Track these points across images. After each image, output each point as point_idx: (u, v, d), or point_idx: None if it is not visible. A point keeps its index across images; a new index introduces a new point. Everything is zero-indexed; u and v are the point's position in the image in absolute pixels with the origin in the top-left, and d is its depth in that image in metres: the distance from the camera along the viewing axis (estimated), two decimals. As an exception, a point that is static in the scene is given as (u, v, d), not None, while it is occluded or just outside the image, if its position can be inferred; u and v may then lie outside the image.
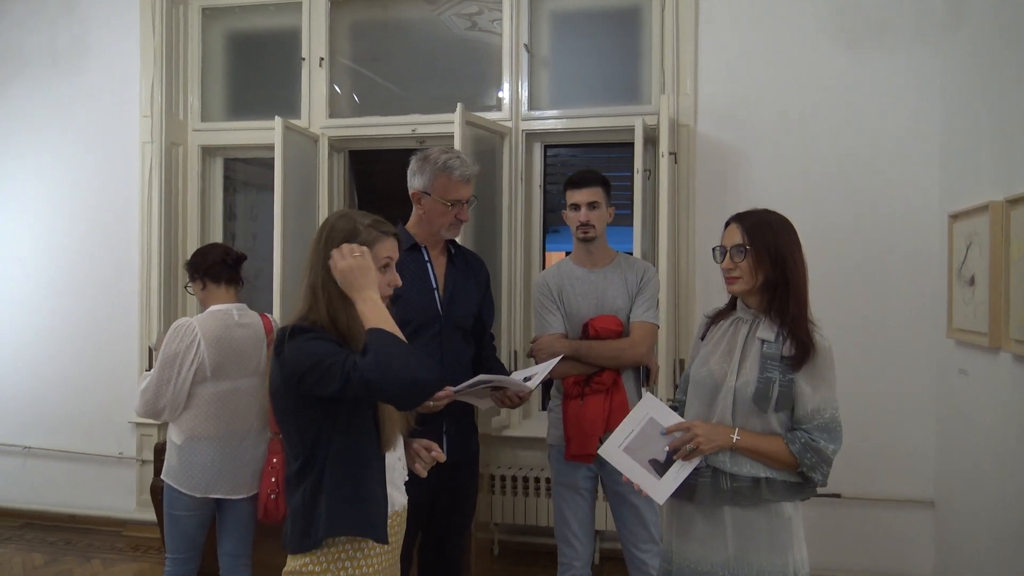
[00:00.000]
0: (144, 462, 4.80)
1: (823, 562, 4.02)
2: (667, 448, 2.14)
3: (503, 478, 4.41)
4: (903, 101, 3.99)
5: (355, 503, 1.92)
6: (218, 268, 3.02)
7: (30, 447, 5.12)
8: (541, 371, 2.72)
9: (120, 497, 4.97)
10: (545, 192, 4.69)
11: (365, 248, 1.96)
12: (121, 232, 4.97)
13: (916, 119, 3.96)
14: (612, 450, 2.20)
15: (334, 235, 2.01)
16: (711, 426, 2.13)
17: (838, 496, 4.00)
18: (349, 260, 1.91)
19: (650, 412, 2.23)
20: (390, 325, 1.84)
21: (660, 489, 2.11)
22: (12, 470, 5.17)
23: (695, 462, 2.11)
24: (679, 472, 2.11)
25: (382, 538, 1.94)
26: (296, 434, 1.94)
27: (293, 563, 1.94)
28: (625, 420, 2.24)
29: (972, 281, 3.42)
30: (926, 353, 3.93)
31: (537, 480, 4.34)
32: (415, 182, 2.75)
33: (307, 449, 1.93)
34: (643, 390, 3.01)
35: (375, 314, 1.86)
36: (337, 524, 1.89)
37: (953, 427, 3.73)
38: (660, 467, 2.14)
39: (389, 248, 2.07)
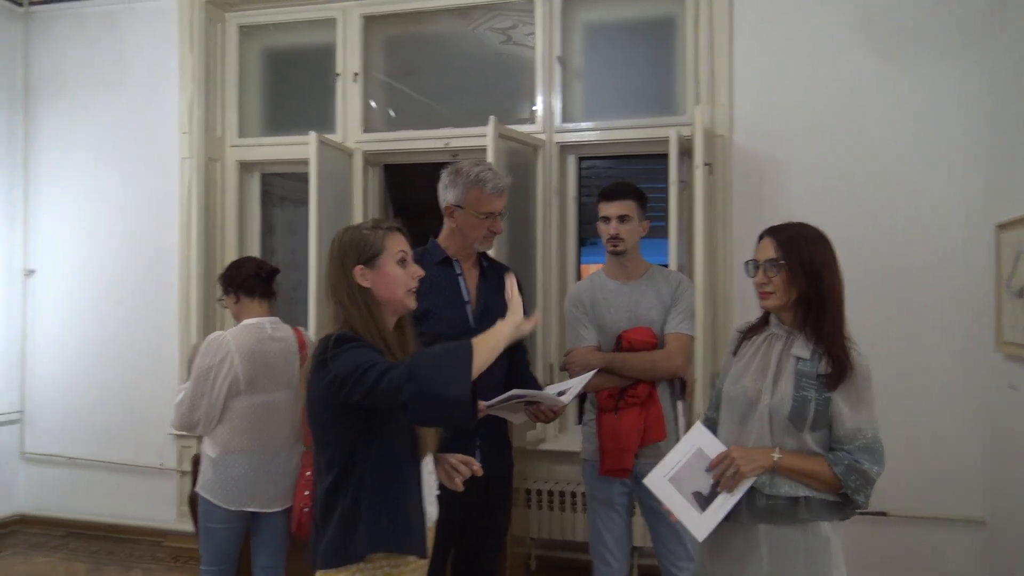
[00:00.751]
0: (184, 473, 4.85)
1: (868, 583, 3.93)
2: (711, 481, 2.08)
3: (539, 492, 4.37)
4: (945, 108, 3.89)
5: (398, 518, 1.91)
6: (251, 282, 3.04)
7: (74, 458, 5.21)
8: (575, 385, 2.69)
9: (161, 508, 5.03)
10: (580, 204, 4.66)
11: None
12: (161, 247, 5.04)
13: (959, 126, 3.86)
14: (658, 480, 2.14)
15: (347, 251, 2.02)
16: (749, 449, 2.08)
17: (884, 514, 3.90)
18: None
19: (698, 443, 2.16)
20: (486, 345, 1.85)
21: (701, 525, 2.05)
22: (57, 480, 5.27)
23: (737, 496, 2.04)
24: (721, 507, 2.04)
25: (424, 552, 1.95)
26: (333, 445, 1.93)
27: None
28: (673, 450, 2.19)
29: (1021, 293, 3.32)
30: (974, 368, 3.81)
31: (573, 495, 4.29)
32: (447, 196, 2.74)
33: (344, 461, 1.92)
34: (680, 413, 2.96)
35: (487, 344, 1.88)
36: (381, 540, 1.89)
37: (1004, 443, 3.62)
38: (703, 500, 2.07)
39: (399, 242, 2.07)
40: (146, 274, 5.08)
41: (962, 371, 3.84)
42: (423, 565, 2.01)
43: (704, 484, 2.09)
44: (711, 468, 2.09)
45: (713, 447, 2.13)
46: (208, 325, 4.80)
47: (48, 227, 5.32)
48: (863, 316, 3.83)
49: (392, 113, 4.99)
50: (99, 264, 5.19)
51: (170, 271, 5.01)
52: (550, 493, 4.35)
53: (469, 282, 2.79)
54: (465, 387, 1.74)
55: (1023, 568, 3.40)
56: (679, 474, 2.12)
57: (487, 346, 1.84)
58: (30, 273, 5.32)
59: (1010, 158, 3.54)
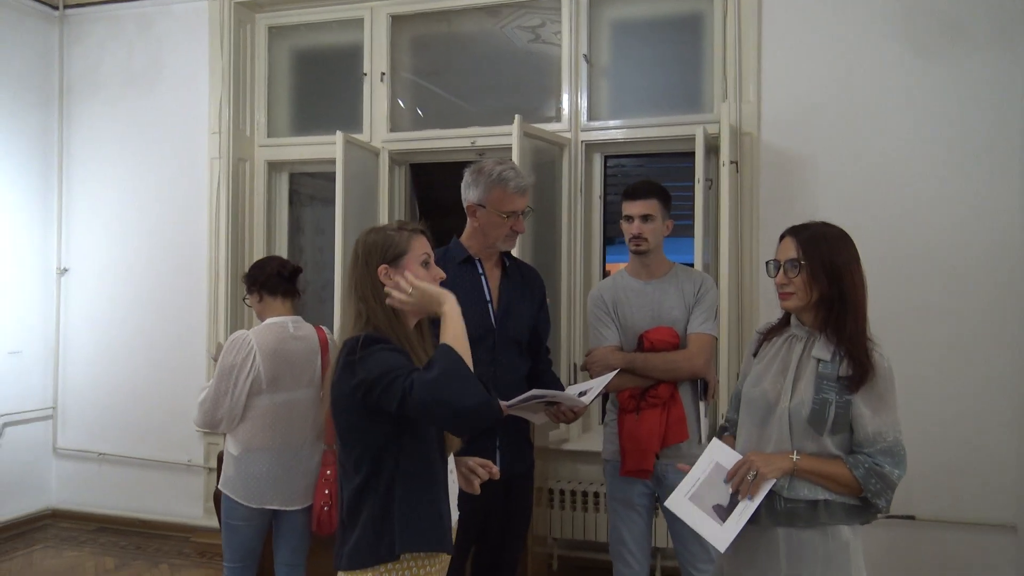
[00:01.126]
0: (211, 470, 4.90)
1: (896, 587, 3.87)
2: (730, 491, 2.05)
3: (562, 492, 4.35)
4: (982, 104, 3.81)
5: (430, 517, 1.92)
6: (275, 281, 3.07)
7: (104, 454, 5.29)
8: (596, 386, 2.68)
9: (188, 504, 5.10)
10: (605, 203, 4.63)
11: (409, 275, 1.96)
12: (191, 246, 5.11)
13: (996, 122, 3.78)
14: (679, 500, 2.12)
15: (371, 250, 2.02)
16: (767, 454, 2.05)
17: (912, 518, 3.83)
18: (406, 293, 1.93)
19: (716, 458, 2.14)
20: (461, 343, 1.86)
21: (722, 535, 2.01)
22: (88, 476, 5.35)
23: (757, 501, 2.00)
24: (741, 515, 2.01)
25: (452, 548, 1.98)
26: (361, 446, 1.93)
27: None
28: (693, 468, 2.16)
29: (1055, 293, 3.24)
30: (1008, 368, 3.73)
31: (596, 495, 4.27)
32: (470, 195, 2.73)
33: (373, 461, 1.91)
34: (702, 413, 2.93)
35: (450, 328, 1.89)
36: (414, 539, 1.89)
37: (1036, 448, 3.54)
38: (724, 512, 2.05)
39: (423, 244, 2.08)
40: (176, 273, 5.15)
41: (996, 372, 3.76)
42: (447, 562, 2.01)
43: (724, 496, 2.06)
44: (729, 478, 2.06)
45: (730, 459, 2.11)
46: (236, 323, 4.85)
47: (81, 226, 5.41)
48: (894, 316, 3.80)
49: (420, 112, 5.00)
50: (130, 263, 5.27)
51: (199, 270, 5.07)
52: (573, 493, 4.33)
53: (491, 282, 2.77)
54: (477, 390, 1.78)
55: (1057, 576, 3.33)
56: (699, 491, 2.10)
57: (458, 340, 1.87)
58: (64, 272, 5.41)
59: (1046, 156, 3.46)
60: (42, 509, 5.38)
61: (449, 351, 1.81)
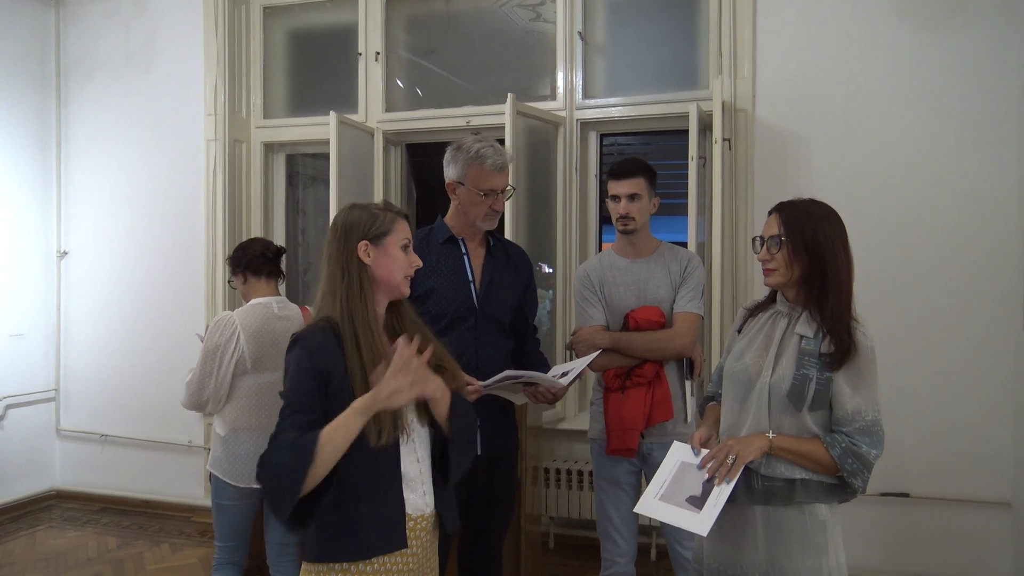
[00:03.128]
0: (210, 451, 4.93)
1: (891, 565, 3.86)
2: (704, 479, 2.04)
3: (558, 472, 4.37)
4: (981, 80, 3.75)
5: (373, 520, 1.87)
6: (258, 262, 3.07)
7: (107, 435, 5.34)
8: (578, 366, 2.66)
9: (189, 484, 5.15)
10: (601, 182, 4.60)
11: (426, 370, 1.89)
12: (189, 228, 5.13)
13: (993, 99, 3.73)
14: (649, 503, 2.10)
15: (353, 226, 1.98)
16: (743, 438, 2.04)
17: (907, 496, 3.81)
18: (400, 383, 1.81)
19: (680, 458, 2.15)
20: (331, 445, 1.77)
21: (701, 522, 1.99)
22: (91, 457, 5.41)
23: (732, 484, 1.99)
24: (717, 499, 1.99)
25: (400, 544, 1.89)
26: None
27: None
28: (657, 472, 2.16)
29: (1049, 270, 3.20)
30: (1003, 347, 3.70)
31: (591, 474, 4.25)
32: (449, 172, 2.72)
33: None
34: (688, 392, 2.92)
35: (337, 431, 1.78)
36: (354, 547, 1.85)
37: (1032, 425, 3.51)
38: (698, 501, 2.03)
39: (406, 229, 2.05)
40: (174, 254, 5.17)
41: (991, 350, 3.73)
42: (409, 554, 1.93)
43: (696, 487, 2.05)
44: (704, 464, 2.05)
45: (694, 455, 2.13)
46: (234, 304, 4.84)
47: (80, 209, 5.43)
48: (891, 294, 3.78)
49: (420, 92, 4.97)
50: (129, 245, 5.29)
51: (197, 251, 5.09)
52: (568, 472, 4.34)
53: (474, 261, 2.76)
54: (286, 513, 1.77)
55: (1051, 554, 3.31)
56: (668, 491, 2.09)
57: (338, 434, 1.78)
58: (63, 254, 5.44)
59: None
60: (46, 490, 5.45)
61: (303, 450, 1.76)
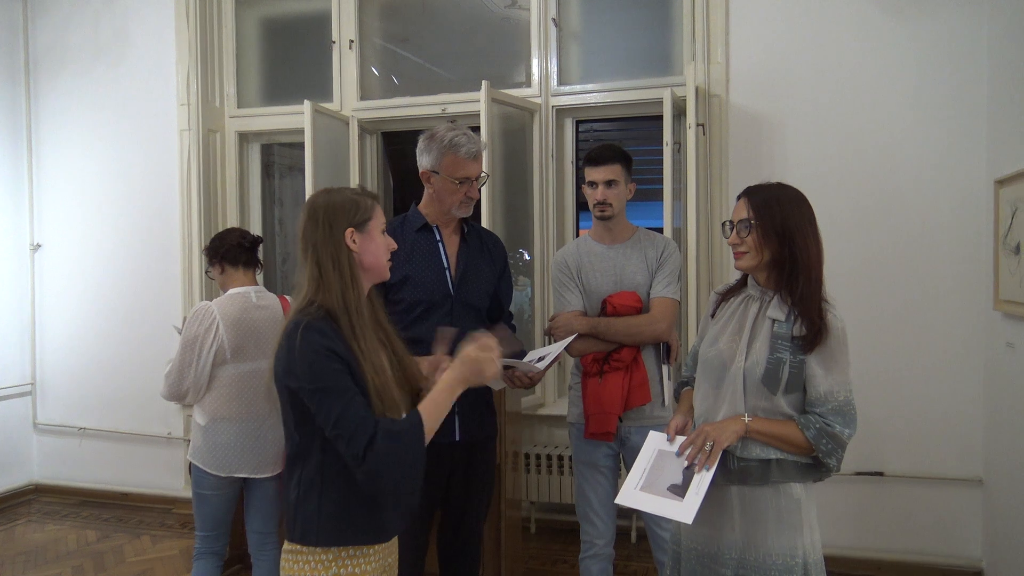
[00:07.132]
0: (189, 442, 4.91)
1: (865, 543, 3.93)
2: (684, 466, 2.06)
3: (538, 457, 4.40)
4: (948, 63, 3.80)
5: (351, 510, 1.88)
6: (235, 251, 3.06)
7: (85, 428, 5.31)
8: (554, 351, 2.69)
9: (169, 476, 5.13)
10: (577, 168, 4.62)
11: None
12: (164, 219, 5.09)
13: (962, 82, 3.78)
14: (630, 493, 2.11)
15: (336, 212, 1.94)
16: (719, 423, 2.07)
17: (880, 474, 3.88)
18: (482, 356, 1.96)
19: (657, 447, 2.17)
20: (433, 421, 1.88)
21: (685, 509, 2.00)
22: (69, 450, 5.38)
23: (712, 471, 2.01)
24: (700, 486, 2.01)
25: (382, 537, 1.93)
26: (290, 422, 1.92)
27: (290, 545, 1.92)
28: (636, 463, 2.17)
29: (1017, 249, 3.26)
30: (972, 326, 3.77)
31: (571, 459, 4.29)
32: (423, 161, 2.72)
33: (303, 440, 1.89)
34: (665, 376, 2.95)
35: (437, 406, 1.91)
36: (332, 534, 1.87)
37: (1002, 403, 3.58)
38: (680, 489, 2.05)
39: (382, 213, 2.06)
40: (150, 245, 5.14)
41: (961, 330, 3.80)
42: (386, 547, 1.97)
43: (676, 475, 2.07)
44: (683, 451, 2.08)
45: (671, 444, 2.15)
46: (211, 295, 4.83)
47: (53, 201, 5.38)
48: (862, 274, 3.84)
49: (396, 80, 4.96)
50: (103, 237, 5.25)
51: (173, 242, 5.06)
52: (548, 457, 4.37)
53: (449, 248, 2.77)
54: (417, 483, 1.85)
55: (1021, 527, 3.37)
56: (648, 480, 2.10)
57: (437, 410, 1.91)
58: (37, 247, 5.38)
59: (1011, 114, 3.46)
60: (24, 484, 5.42)
61: (419, 428, 1.83)
